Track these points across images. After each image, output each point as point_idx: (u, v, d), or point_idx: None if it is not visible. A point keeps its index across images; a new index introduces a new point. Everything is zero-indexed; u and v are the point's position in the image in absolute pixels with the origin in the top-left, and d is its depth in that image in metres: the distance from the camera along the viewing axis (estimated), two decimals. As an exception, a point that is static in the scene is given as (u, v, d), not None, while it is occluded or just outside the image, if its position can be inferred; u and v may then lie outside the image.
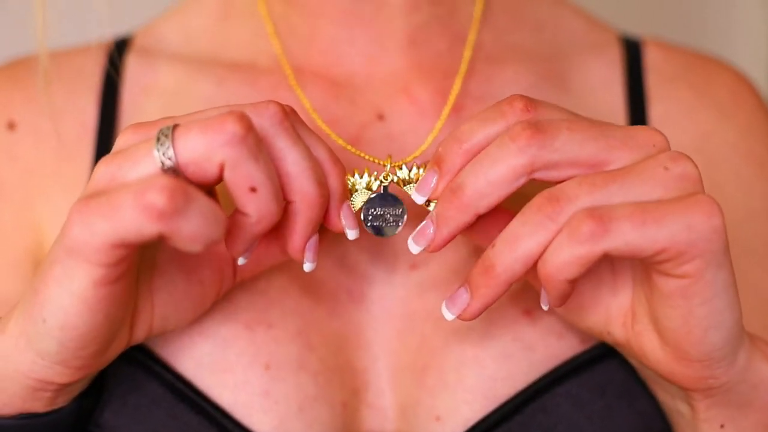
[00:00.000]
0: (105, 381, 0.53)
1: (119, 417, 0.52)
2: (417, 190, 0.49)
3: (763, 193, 0.63)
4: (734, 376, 0.47)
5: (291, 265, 0.55)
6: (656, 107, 0.62)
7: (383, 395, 0.54)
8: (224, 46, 0.62)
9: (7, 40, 0.64)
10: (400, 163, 0.51)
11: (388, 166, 0.51)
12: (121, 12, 0.63)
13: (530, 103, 0.46)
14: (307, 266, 0.48)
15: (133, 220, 0.40)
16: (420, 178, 0.49)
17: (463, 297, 0.47)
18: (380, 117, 0.59)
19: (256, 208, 0.43)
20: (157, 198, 0.39)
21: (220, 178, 0.43)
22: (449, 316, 0.48)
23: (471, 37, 0.60)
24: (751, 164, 0.63)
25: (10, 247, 0.59)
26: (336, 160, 0.48)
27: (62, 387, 0.47)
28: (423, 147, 0.55)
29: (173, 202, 0.39)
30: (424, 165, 0.50)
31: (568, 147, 0.44)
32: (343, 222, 0.48)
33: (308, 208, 0.46)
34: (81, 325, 0.44)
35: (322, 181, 0.46)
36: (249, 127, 0.43)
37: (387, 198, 0.51)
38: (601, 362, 0.53)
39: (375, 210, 0.51)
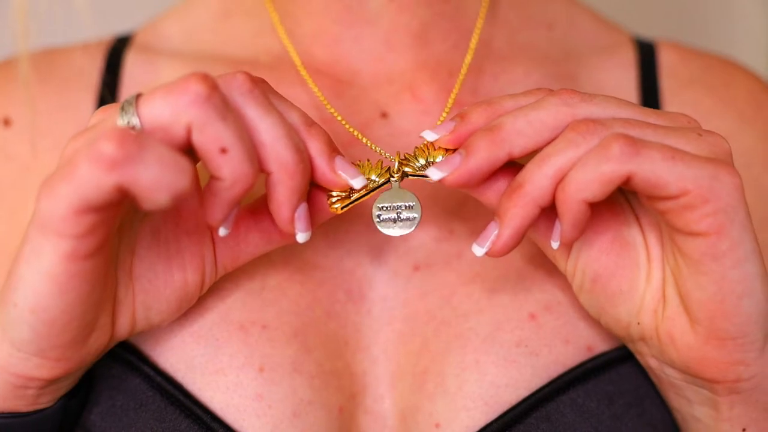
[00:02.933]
0: (93, 382, 0.51)
1: (106, 420, 0.51)
2: (432, 130, 0.48)
3: None
4: (763, 368, 0.46)
5: (288, 265, 0.54)
6: (672, 110, 0.61)
7: (382, 400, 0.53)
8: (226, 43, 0.62)
9: (6, 39, 0.63)
10: (411, 154, 0.49)
11: (396, 163, 0.49)
12: (120, 11, 0.62)
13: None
14: (300, 237, 0.47)
15: (88, 175, 0.39)
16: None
17: (492, 230, 0.46)
18: (384, 115, 0.58)
19: (230, 170, 0.42)
20: (106, 146, 0.38)
21: (189, 142, 0.42)
22: (479, 251, 0.47)
23: (474, 36, 0.59)
24: None
25: (4, 249, 0.58)
26: (312, 122, 0.46)
27: (44, 384, 0.46)
28: None
29: (123, 148, 0.38)
30: (433, 147, 0.48)
31: (608, 104, 0.45)
32: (342, 174, 0.47)
33: (289, 177, 0.45)
34: (52, 306, 0.43)
35: (299, 147, 0.45)
36: (213, 86, 0.42)
37: (399, 194, 0.49)
38: (610, 370, 0.52)
39: (386, 207, 0.49)
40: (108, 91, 0.60)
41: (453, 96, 0.56)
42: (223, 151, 0.42)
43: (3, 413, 0.47)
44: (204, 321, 0.52)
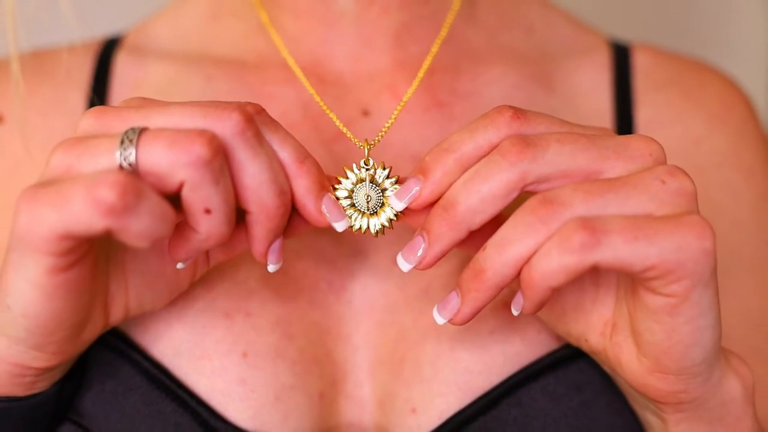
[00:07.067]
0: (86, 366, 0.53)
1: (96, 404, 0.52)
2: (396, 196, 0.48)
3: (751, 201, 0.63)
4: (706, 393, 0.47)
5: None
6: (644, 111, 0.63)
7: (362, 386, 0.55)
8: (214, 43, 0.64)
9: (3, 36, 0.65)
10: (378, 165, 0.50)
11: (372, 162, 0.50)
12: (105, 14, 0.63)
13: (518, 111, 0.46)
14: (271, 267, 0.48)
15: (81, 213, 0.40)
16: (402, 184, 0.48)
17: (454, 301, 0.47)
18: (365, 113, 0.60)
19: (207, 229, 0.44)
20: (108, 194, 0.39)
21: (176, 193, 0.43)
22: (440, 320, 0.47)
23: (444, 28, 0.60)
24: (740, 172, 0.63)
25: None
26: (305, 157, 0.46)
27: (41, 371, 0.48)
28: (392, 120, 0.54)
29: (124, 199, 0.39)
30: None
31: (560, 159, 0.44)
32: (328, 216, 0.47)
33: (267, 219, 0.45)
34: (41, 312, 0.43)
35: (282, 190, 0.45)
36: (216, 150, 0.42)
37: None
38: (580, 359, 0.53)
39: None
40: (97, 92, 0.61)
41: (411, 90, 0.55)
42: (207, 211, 0.43)
43: (1, 397, 0.48)
44: (191, 309, 0.53)
